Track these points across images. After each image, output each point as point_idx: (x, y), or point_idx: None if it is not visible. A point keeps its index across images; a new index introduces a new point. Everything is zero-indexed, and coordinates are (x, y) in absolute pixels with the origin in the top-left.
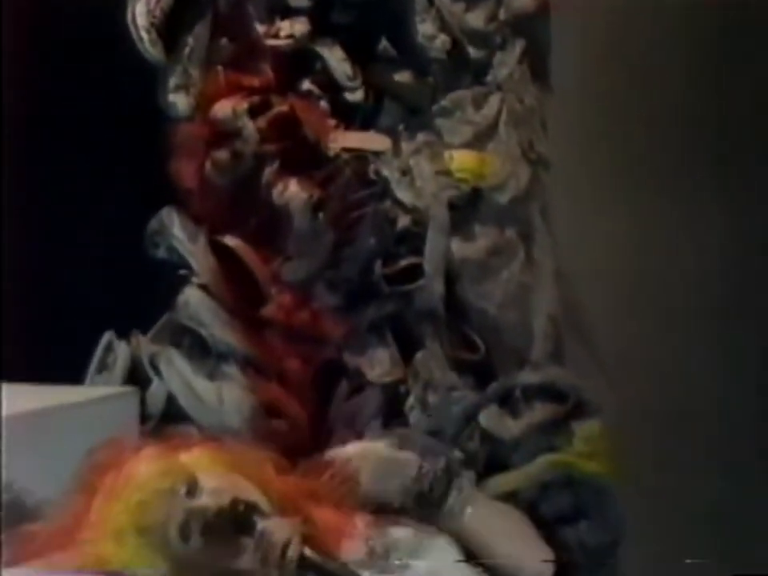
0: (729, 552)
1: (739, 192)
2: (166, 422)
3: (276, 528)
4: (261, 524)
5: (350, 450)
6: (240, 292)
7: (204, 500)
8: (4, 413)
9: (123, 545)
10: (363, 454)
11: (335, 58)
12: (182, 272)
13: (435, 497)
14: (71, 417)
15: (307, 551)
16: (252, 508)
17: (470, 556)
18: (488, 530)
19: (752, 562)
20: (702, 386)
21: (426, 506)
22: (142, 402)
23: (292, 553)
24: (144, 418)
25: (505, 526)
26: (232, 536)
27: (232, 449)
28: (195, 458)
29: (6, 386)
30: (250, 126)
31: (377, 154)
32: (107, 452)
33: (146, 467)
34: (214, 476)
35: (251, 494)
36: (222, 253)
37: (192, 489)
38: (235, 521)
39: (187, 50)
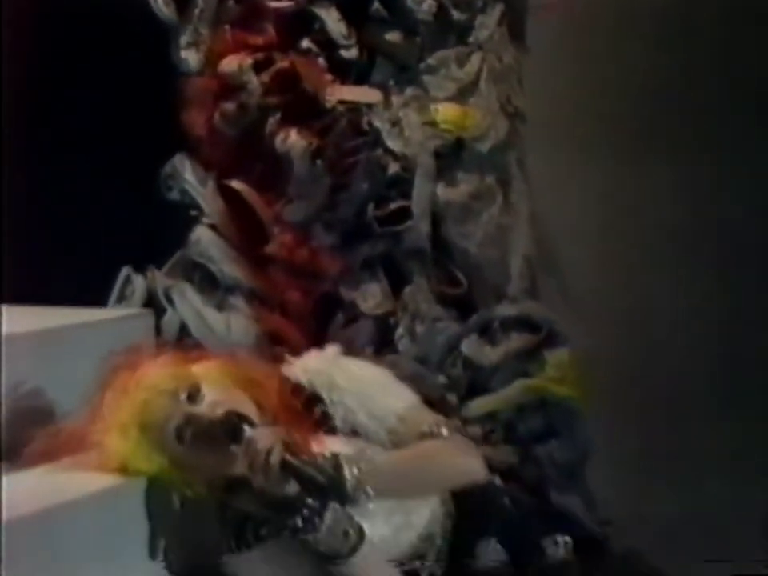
0: (689, 465)
1: (694, 142)
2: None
3: (261, 436)
4: (248, 432)
5: (297, 368)
6: (246, 231)
7: (202, 408)
8: (33, 329)
9: (126, 438)
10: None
11: (332, 19)
12: (193, 213)
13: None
14: (93, 334)
15: (288, 457)
16: (243, 419)
17: None
18: (402, 483)
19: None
20: (664, 317)
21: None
22: (158, 330)
23: (274, 459)
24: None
25: (414, 468)
26: (224, 444)
27: (243, 362)
28: (204, 369)
29: (36, 308)
30: (254, 81)
31: (369, 106)
32: (125, 355)
33: (157, 370)
34: (217, 388)
35: (246, 407)
36: (229, 195)
37: (193, 396)
38: (227, 430)
39: (197, 10)
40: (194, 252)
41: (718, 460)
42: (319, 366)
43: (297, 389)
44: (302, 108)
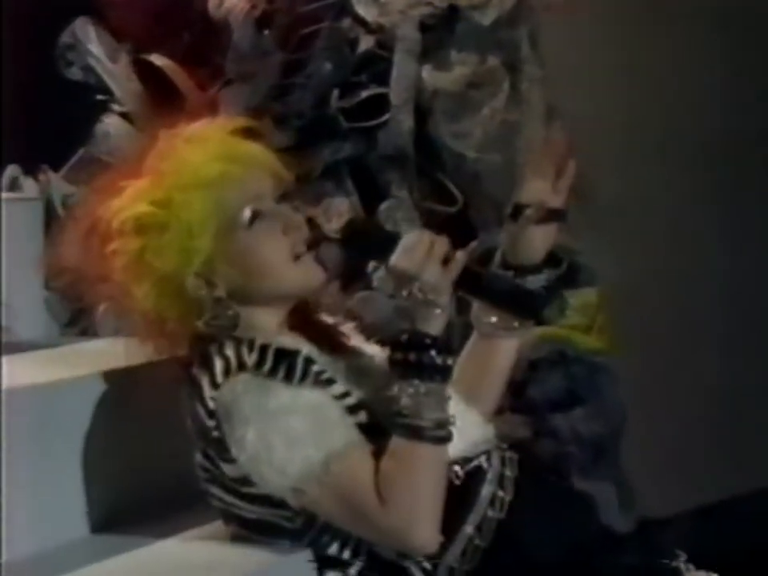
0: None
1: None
2: None
3: None
4: None
5: None
6: (171, 122)
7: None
8: None
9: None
10: None
11: None
12: (101, 97)
13: None
14: None
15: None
16: None
17: None
18: None
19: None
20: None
21: None
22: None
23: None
24: None
25: None
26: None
27: None
28: None
29: None
30: None
31: None
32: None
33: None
34: None
35: None
36: (148, 74)
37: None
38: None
39: None
40: (102, 150)
41: None
42: None
43: None
44: None
